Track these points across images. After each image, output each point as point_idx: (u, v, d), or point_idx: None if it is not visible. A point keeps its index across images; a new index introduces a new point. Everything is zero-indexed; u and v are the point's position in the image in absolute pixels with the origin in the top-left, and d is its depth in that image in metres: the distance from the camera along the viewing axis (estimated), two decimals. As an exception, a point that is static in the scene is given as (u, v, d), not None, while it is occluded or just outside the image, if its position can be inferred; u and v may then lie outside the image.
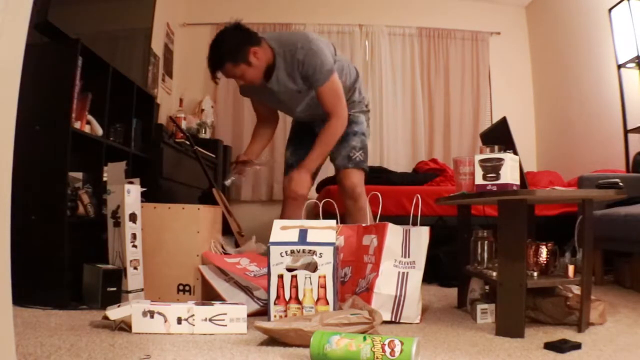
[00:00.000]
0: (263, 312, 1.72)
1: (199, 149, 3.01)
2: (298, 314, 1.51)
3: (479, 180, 1.53)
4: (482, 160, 1.53)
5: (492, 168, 1.50)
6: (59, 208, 1.89)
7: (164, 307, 1.46)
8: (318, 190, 3.39)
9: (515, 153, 1.54)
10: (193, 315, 1.45)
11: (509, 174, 1.48)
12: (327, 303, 1.52)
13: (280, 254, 1.55)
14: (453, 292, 2.14)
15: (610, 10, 3.64)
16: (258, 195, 4.49)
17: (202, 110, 4.19)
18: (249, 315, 1.53)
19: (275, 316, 1.53)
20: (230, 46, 2.06)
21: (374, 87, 4.61)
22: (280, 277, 1.54)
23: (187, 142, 2.93)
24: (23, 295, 1.73)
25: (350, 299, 1.62)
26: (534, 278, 1.52)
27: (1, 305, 0.81)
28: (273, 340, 1.34)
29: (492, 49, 4.77)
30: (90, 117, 2.17)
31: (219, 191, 2.39)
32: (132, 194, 1.94)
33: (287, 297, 1.53)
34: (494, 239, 1.73)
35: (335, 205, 2.27)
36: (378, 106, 4.58)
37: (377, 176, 3.56)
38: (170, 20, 4.09)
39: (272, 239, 1.59)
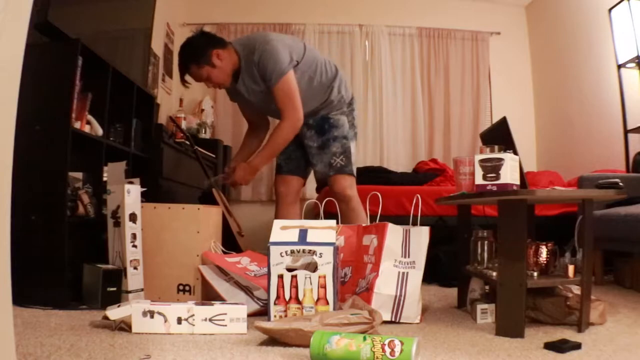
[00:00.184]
0: (263, 312, 1.72)
1: (199, 149, 3.01)
2: (298, 314, 1.51)
3: (479, 180, 1.53)
4: (482, 160, 1.53)
5: (492, 168, 1.50)
6: (59, 208, 1.89)
7: (164, 307, 1.46)
8: (318, 190, 3.39)
9: (515, 153, 1.54)
10: (193, 315, 1.45)
11: (509, 174, 1.48)
12: (327, 303, 1.52)
13: (280, 254, 1.55)
14: (453, 292, 2.15)
15: (610, 10, 3.65)
16: (258, 195, 4.50)
17: (202, 110, 4.19)
18: (249, 315, 1.53)
19: (275, 316, 1.53)
20: (194, 49, 2.19)
21: (374, 87, 4.61)
22: (280, 277, 1.54)
23: (187, 142, 2.93)
24: (23, 295, 1.73)
25: (350, 299, 1.62)
26: (534, 278, 1.52)
27: (1, 305, 0.81)
28: (273, 340, 1.34)
29: (492, 49, 4.77)
30: (90, 117, 2.17)
31: (219, 191, 2.39)
32: (132, 194, 1.94)
33: (287, 297, 1.53)
34: (494, 239, 1.73)
35: (337, 205, 2.27)
36: (378, 106, 4.59)
37: (377, 176, 3.56)
38: (170, 20, 4.09)
39: (272, 239, 1.59)
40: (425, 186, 3.53)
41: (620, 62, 3.54)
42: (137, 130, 2.55)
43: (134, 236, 1.93)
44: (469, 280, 1.83)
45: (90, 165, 2.17)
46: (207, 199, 2.37)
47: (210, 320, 1.46)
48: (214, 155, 3.69)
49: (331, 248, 1.54)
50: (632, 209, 2.35)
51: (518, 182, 1.52)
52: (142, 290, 1.92)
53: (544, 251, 1.58)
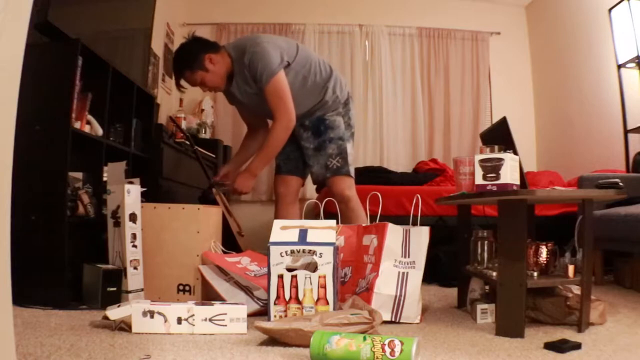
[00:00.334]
0: (263, 312, 1.72)
1: (199, 149, 3.01)
2: (298, 314, 1.51)
3: (479, 180, 1.53)
4: (482, 160, 1.53)
5: (492, 168, 1.50)
6: (59, 208, 1.89)
7: (164, 307, 1.46)
8: (318, 190, 3.39)
9: (515, 153, 1.54)
10: (193, 315, 1.45)
11: (509, 174, 1.48)
12: (327, 303, 1.52)
13: (280, 254, 1.55)
14: (453, 292, 2.15)
15: (610, 10, 3.65)
16: (258, 195, 4.50)
17: (202, 110, 4.19)
18: (249, 315, 1.53)
19: (275, 316, 1.53)
20: (186, 55, 2.22)
21: (374, 87, 4.61)
22: (280, 277, 1.54)
23: (187, 142, 2.93)
24: (23, 295, 1.73)
25: (350, 299, 1.62)
26: (534, 278, 1.52)
27: (1, 305, 0.81)
28: (273, 340, 1.34)
29: (492, 49, 4.77)
30: (90, 117, 2.17)
31: (219, 191, 2.39)
32: (132, 194, 1.94)
33: (287, 297, 1.53)
34: (494, 239, 1.73)
35: (337, 205, 2.27)
36: (378, 106, 4.59)
37: (377, 176, 3.56)
38: (170, 20, 4.09)
39: (272, 239, 1.59)
40: (425, 186, 3.53)
41: (620, 62, 3.54)
42: (137, 130, 2.55)
43: (134, 236, 1.93)
44: (469, 280, 1.83)
45: (90, 165, 2.17)
46: (207, 199, 2.36)
47: (210, 320, 1.46)
48: (214, 155, 3.69)
49: (331, 248, 1.54)
50: (632, 209, 2.35)
51: (518, 182, 1.52)
52: (142, 290, 1.92)
53: (544, 251, 1.58)
